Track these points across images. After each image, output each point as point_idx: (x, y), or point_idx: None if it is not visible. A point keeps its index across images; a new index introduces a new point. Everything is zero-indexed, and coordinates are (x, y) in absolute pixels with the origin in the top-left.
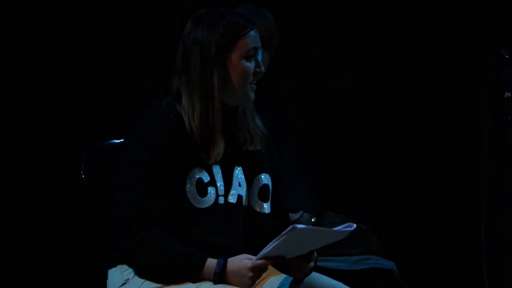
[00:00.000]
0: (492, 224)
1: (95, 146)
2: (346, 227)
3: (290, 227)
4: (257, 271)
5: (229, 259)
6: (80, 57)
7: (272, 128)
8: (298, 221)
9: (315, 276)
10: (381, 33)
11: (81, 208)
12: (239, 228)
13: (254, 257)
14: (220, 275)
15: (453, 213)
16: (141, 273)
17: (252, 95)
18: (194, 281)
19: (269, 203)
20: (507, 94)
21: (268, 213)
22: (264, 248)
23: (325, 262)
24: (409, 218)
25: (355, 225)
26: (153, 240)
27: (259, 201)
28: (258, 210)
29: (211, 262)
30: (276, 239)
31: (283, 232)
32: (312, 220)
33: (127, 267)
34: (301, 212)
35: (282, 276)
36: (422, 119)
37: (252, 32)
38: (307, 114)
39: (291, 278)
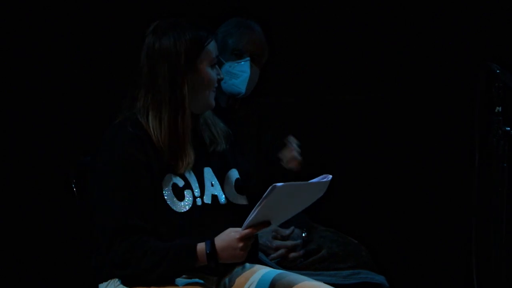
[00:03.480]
0: (482, 239)
1: (86, 158)
2: (323, 178)
3: (270, 187)
4: (246, 240)
5: (216, 237)
6: (72, 68)
7: (233, 128)
8: (290, 236)
9: (286, 274)
10: (374, 41)
11: (71, 221)
12: (221, 228)
13: (239, 229)
14: (212, 255)
15: (443, 228)
16: (137, 280)
17: (214, 101)
18: (191, 271)
19: (245, 196)
20: (498, 108)
21: (247, 205)
22: (248, 216)
23: (316, 276)
24: (399, 232)
25: (331, 176)
26: (138, 245)
27: (237, 194)
28: (238, 203)
29: (201, 247)
30: (258, 203)
31: (264, 195)
32: (303, 234)
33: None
34: (292, 227)
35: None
36: (414, 131)
37: (213, 41)
38: (297, 127)
39: (273, 272)
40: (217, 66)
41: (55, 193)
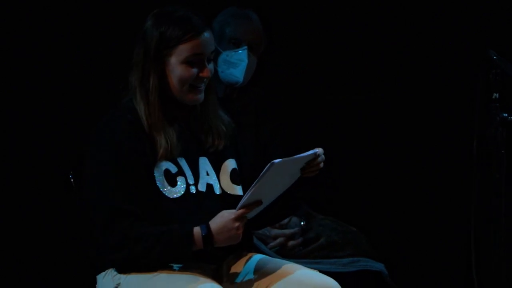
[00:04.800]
0: (481, 226)
1: (84, 150)
2: (314, 151)
3: (269, 164)
4: (241, 220)
5: (210, 221)
6: (69, 59)
7: (230, 117)
8: (287, 225)
9: (273, 259)
10: (374, 41)
11: (68, 216)
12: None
13: (233, 210)
14: (208, 238)
15: (442, 215)
16: (132, 266)
17: (198, 96)
18: (188, 255)
19: (240, 186)
20: (495, 95)
21: (242, 195)
22: (243, 198)
23: (315, 265)
24: (398, 220)
25: (318, 150)
26: (134, 228)
27: (232, 185)
28: (233, 193)
29: (197, 230)
30: (255, 182)
31: (262, 172)
32: (302, 223)
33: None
34: (290, 216)
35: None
36: (413, 121)
37: (201, 38)
38: (296, 117)
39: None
40: (205, 64)
41: (52, 188)
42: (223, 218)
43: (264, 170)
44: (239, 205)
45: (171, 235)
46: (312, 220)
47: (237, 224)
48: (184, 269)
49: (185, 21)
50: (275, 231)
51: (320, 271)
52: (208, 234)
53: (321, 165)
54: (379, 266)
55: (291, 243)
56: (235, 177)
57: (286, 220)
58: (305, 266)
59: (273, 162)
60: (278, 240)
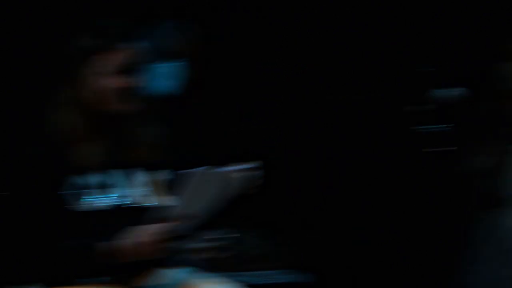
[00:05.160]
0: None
1: None
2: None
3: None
4: (156, 235)
5: (129, 233)
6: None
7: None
8: (212, 239)
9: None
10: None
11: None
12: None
13: (149, 225)
14: (124, 251)
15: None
16: (43, 276)
17: (125, 108)
18: (95, 275)
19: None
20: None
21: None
22: (158, 210)
23: (245, 277)
24: (329, 228)
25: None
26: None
27: (163, 198)
28: (164, 205)
29: (113, 244)
30: (169, 194)
31: (174, 183)
32: (227, 236)
33: None
34: (216, 230)
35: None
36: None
37: (126, 48)
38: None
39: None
40: (134, 75)
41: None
42: (137, 233)
43: (175, 181)
44: (153, 219)
45: (77, 249)
46: (243, 233)
47: (151, 239)
48: (100, 284)
49: (107, 31)
50: (199, 245)
51: (251, 284)
52: (124, 248)
53: (256, 182)
54: (302, 277)
55: (221, 255)
56: (166, 190)
57: (210, 235)
58: (235, 278)
59: (181, 173)
60: (203, 254)
